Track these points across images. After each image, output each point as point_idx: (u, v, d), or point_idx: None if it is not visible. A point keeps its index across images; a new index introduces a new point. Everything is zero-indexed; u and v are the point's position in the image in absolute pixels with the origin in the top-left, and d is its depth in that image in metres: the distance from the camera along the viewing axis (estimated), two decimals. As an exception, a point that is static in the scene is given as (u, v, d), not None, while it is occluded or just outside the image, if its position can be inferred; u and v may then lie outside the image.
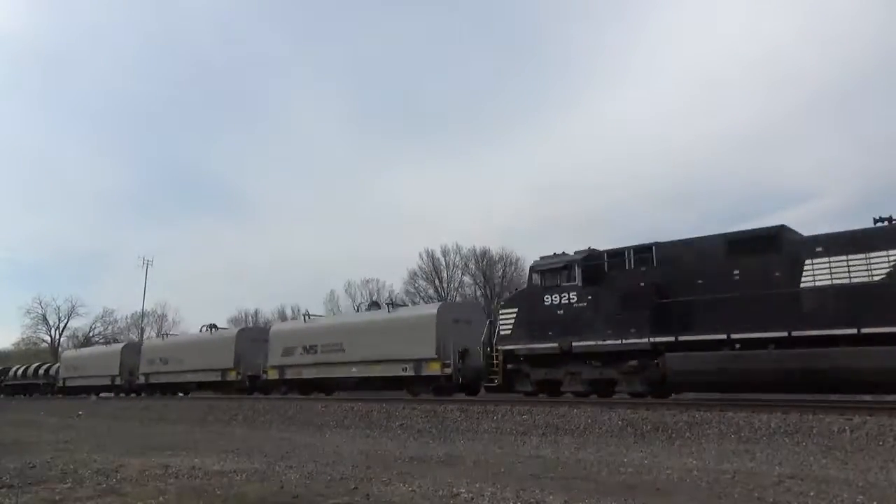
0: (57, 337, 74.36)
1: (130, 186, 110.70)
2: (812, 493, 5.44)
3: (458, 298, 47.80)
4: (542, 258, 16.26)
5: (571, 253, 15.74)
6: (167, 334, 46.02)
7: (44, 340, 74.22)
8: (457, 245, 52.51)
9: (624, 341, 13.71)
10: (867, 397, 13.59)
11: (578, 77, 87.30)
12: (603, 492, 5.67)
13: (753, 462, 7.81)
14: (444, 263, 52.65)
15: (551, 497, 5.32)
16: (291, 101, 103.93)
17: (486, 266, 51.86)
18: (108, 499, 5.64)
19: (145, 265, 58.68)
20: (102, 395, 34.59)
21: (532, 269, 16.39)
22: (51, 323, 74.36)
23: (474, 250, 52.26)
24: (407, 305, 28.37)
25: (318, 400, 20.01)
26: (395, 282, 56.93)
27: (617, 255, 14.75)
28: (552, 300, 15.10)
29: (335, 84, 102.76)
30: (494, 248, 52.29)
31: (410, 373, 20.15)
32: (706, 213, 72.87)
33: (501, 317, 16.35)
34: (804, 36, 72.05)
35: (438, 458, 8.69)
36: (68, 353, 45.03)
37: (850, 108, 68.11)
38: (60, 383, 40.11)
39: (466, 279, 52.53)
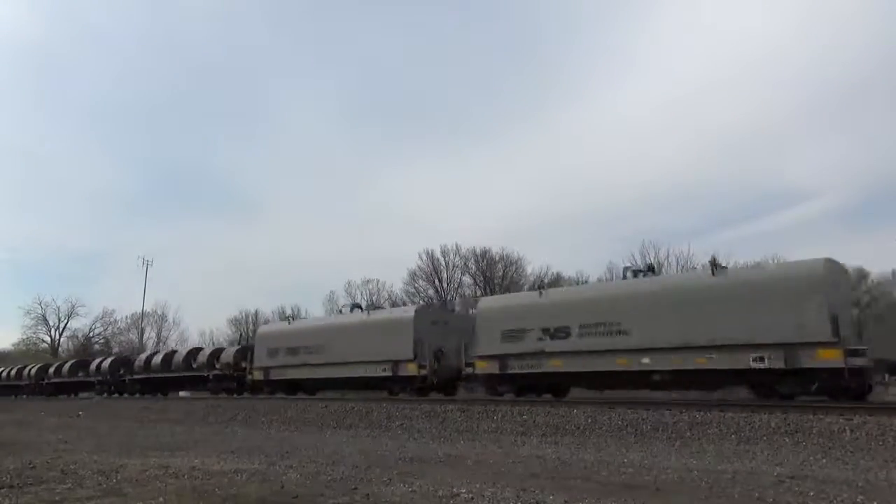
0: (57, 337, 74.31)
1: (130, 186, 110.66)
2: (812, 493, 5.44)
3: (456, 299, 48.23)
4: None
5: None
6: (541, 288, 19.95)
7: (43, 341, 74.21)
8: (457, 245, 52.29)
9: None
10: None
11: (579, 76, 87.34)
12: (603, 492, 5.66)
13: (753, 462, 7.81)
14: (443, 263, 52.45)
15: (551, 497, 5.31)
16: (291, 101, 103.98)
17: (486, 266, 51.73)
18: (109, 499, 5.64)
19: (145, 265, 58.54)
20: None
21: None
22: (51, 323, 74.12)
23: (474, 250, 52.03)
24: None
25: (319, 400, 20.45)
26: (395, 282, 56.77)
27: None
28: None
29: (335, 83, 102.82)
30: (494, 248, 52.10)
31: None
32: (707, 214, 72.76)
33: None
34: (804, 36, 72.05)
35: (438, 458, 8.69)
36: (270, 328, 28.02)
37: (850, 108, 68.06)
38: (257, 376, 24.46)
39: (466, 279, 52.39)
